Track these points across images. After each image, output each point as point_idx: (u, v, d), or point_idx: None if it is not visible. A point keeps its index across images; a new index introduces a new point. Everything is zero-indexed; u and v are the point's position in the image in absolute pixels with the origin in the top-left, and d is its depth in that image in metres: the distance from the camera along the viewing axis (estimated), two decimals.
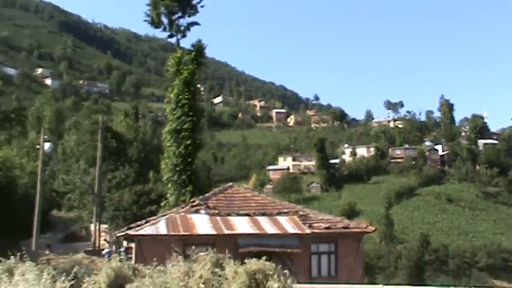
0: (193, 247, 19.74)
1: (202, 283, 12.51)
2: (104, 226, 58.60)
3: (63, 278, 11.86)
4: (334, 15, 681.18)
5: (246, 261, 13.25)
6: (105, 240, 58.16)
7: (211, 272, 12.96)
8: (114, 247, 51.97)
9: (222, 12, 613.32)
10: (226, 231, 30.40)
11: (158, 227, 31.00)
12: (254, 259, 13.24)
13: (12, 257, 16.05)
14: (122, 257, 16.46)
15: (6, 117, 67.52)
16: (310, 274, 31.10)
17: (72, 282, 12.01)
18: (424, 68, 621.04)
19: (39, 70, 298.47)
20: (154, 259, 16.99)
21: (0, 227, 58.27)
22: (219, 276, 12.87)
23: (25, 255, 15.34)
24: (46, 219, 61.92)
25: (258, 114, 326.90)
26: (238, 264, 13.31)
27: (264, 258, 13.59)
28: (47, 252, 44.01)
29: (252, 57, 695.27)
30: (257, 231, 30.82)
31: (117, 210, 60.88)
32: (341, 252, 32.31)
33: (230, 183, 41.19)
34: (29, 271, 12.11)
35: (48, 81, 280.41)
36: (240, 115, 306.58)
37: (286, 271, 13.05)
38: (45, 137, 47.79)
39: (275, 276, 12.31)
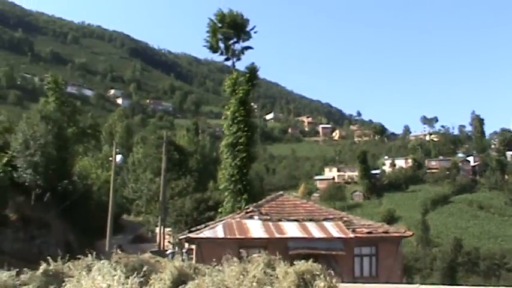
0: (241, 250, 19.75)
1: (256, 282, 12.45)
2: (167, 229, 58.93)
3: (133, 275, 11.97)
4: (373, 35, 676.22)
5: (295, 262, 13.17)
6: (168, 242, 58.48)
7: (264, 272, 12.90)
8: (176, 248, 52.25)
9: (272, 36, 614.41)
10: (277, 235, 30.33)
11: (216, 231, 31.07)
12: (303, 261, 13.15)
13: (89, 255, 16.35)
14: (184, 257, 16.61)
15: (84, 133, 68.73)
16: (353, 274, 30.81)
17: (141, 279, 12.10)
18: (456, 84, 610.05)
19: (112, 91, 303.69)
20: (213, 259, 17.02)
21: (79, 229, 59.29)
22: (271, 276, 12.81)
23: (100, 254, 15.60)
24: (117, 222, 62.68)
25: (306, 129, 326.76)
26: (287, 265, 13.25)
27: (311, 260, 13.51)
28: (119, 251, 44.61)
29: (300, 78, 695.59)
30: (305, 235, 30.69)
31: (180, 216, 61.22)
32: (381, 254, 31.96)
33: (281, 192, 41.16)
34: (105, 268, 12.24)
35: (119, 101, 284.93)
36: (289, 130, 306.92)
37: (331, 271, 12.93)
38: (117, 150, 48.25)
39: (322, 276, 12.18)
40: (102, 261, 13.43)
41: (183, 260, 14.96)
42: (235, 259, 14.88)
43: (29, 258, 40.24)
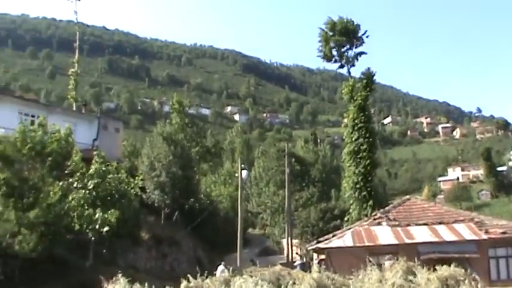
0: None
1: None
2: (294, 241, 59.05)
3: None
4: (487, 28, 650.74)
5: (436, 267, 12.77)
6: (296, 253, 58.58)
7: (404, 279, 12.57)
8: (304, 259, 52.21)
9: (382, 39, 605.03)
10: (407, 241, 29.79)
11: (345, 239, 30.96)
12: (445, 266, 12.73)
13: (220, 269, 16.60)
14: (316, 268, 16.50)
15: (208, 151, 70.53)
16: (490, 278, 29.51)
17: None
18: None
19: (229, 108, 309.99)
20: (343, 268, 16.89)
21: (208, 245, 60.65)
22: (411, 282, 12.46)
23: (234, 269, 15.78)
24: (243, 236, 63.56)
25: (425, 130, 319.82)
26: (427, 271, 12.87)
27: (444, 264, 13.10)
28: (251, 265, 45.20)
29: (415, 78, 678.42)
30: (436, 239, 29.97)
31: (306, 226, 61.22)
32: None
33: (407, 196, 40.37)
34: (246, 282, 12.36)
35: (236, 117, 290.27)
36: (408, 132, 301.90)
37: (475, 275, 12.43)
38: (242, 165, 48.99)
39: (466, 282, 11.73)
40: (244, 276, 13.56)
41: (319, 271, 14.80)
42: (371, 267, 14.65)
43: (162, 276, 41.55)
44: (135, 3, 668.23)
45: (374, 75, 50.94)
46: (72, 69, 76.58)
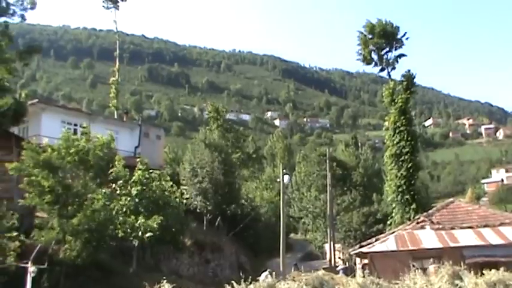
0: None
1: None
2: (337, 245, 58.74)
3: None
4: None
5: (484, 272, 12.52)
6: (339, 258, 58.25)
7: (450, 283, 12.35)
8: (347, 264, 51.89)
9: (421, 40, 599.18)
10: (452, 244, 29.33)
11: (387, 244, 30.67)
12: (493, 270, 12.46)
13: (264, 275, 16.59)
14: (360, 272, 16.40)
15: (248, 157, 70.80)
16: None
17: None
18: None
19: (269, 113, 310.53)
20: (386, 273, 16.71)
21: (250, 251, 60.75)
22: (459, 287, 12.24)
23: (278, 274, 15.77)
24: (285, 241, 63.57)
25: (468, 131, 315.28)
26: (474, 275, 12.62)
27: (490, 268, 12.83)
28: (292, 270, 45.08)
29: (456, 79, 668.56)
30: (482, 243, 29.40)
31: (348, 231, 60.88)
32: None
33: (451, 199, 39.75)
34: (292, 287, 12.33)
35: (277, 122, 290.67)
36: (450, 134, 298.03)
37: None
38: (284, 170, 48.95)
39: None
40: (288, 281, 13.52)
41: (363, 276, 14.71)
42: (416, 271, 14.45)
43: (204, 281, 41.80)
44: (173, 11, 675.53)
45: (414, 77, 50.58)
46: (113, 78, 77.77)
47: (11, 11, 33.08)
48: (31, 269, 24.30)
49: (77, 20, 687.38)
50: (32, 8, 33.76)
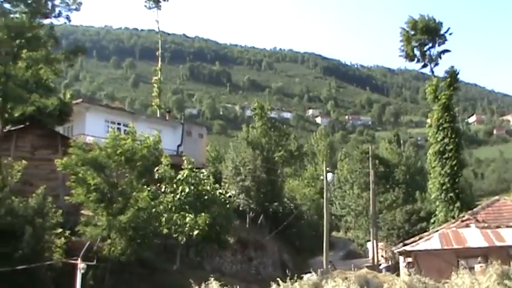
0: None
1: None
2: (379, 244, 58.48)
3: None
4: None
5: None
6: (381, 256, 57.98)
7: (498, 283, 12.25)
8: (390, 262, 51.65)
9: (465, 35, 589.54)
10: (498, 243, 28.89)
11: (431, 242, 30.41)
12: None
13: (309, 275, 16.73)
14: (405, 271, 16.40)
15: (291, 155, 70.84)
16: None
17: None
18: None
19: (310, 111, 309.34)
20: (431, 271, 16.64)
21: (292, 249, 60.96)
22: (508, 287, 12.13)
23: (323, 272, 15.90)
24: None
25: None
26: None
27: None
28: (329, 267, 45.10)
29: (500, 75, 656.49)
30: None
31: (391, 229, 60.59)
32: None
33: (496, 197, 39.13)
34: (338, 286, 12.41)
35: (318, 120, 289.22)
36: (494, 131, 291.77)
37: None
38: (328, 168, 48.95)
39: None
40: (335, 279, 13.63)
41: (409, 274, 14.71)
42: (463, 271, 14.38)
43: (247, 279, 41.99)
44: (213, 10, 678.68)
45: (458, 73, 50.09)
46: (155, 77, 78.64)
47: (57, 13, 33.62)
48: (81, 265, 24.79)
49: (119, 20, 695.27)
50: (77, 9, 34.23)
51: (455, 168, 45.80)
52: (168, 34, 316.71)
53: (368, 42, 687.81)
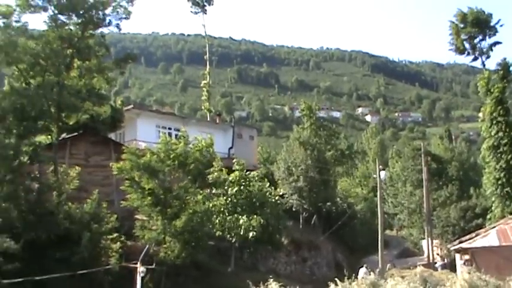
0: None
1: None
2: (434, 241, 57.63)
3: None
4: None
5: None
6: (437, 254, 57.14)
7: None
8: (445, 260, 50.84)
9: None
10: None
11: (489, 239, 29.81)
12: None
13: (363, 272, 16.60)
14: (463, 269, 16.14)
15: (342, 154, 70.43)
16: None
17: None
18: None
19: (359, 109, 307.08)
20: (489, 269, 16.30)
21: (346, 248, 60.61)
22: None
23: (380, 272, 15.79)
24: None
25: None
26: None
27: None
28: (388, 267, 44.66)
29: None
30: None
31: (446, 226, 59.58)
32: None
33: None
34: (398, 284, 12.31)
35: (368, 118, 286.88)
36: None
37: None
38: (381, 166, 48.55)
39: None
40: (396, 278, 13.50)
41: (469, 272, 14.46)
42: None
43: (302, 280, 41.93)
44: (259, 12, 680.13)
45: (511, 65, 48.98)
46: (204, 81, 79.25)
47: (107, 22, 34.14)
48: (140, 269, 25.20)
49: (165, 26, 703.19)
50: (127, 18, 34.71)
51: (511, 162, 44.83)
52: (215, 38, 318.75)
53: (416, 37, 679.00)
